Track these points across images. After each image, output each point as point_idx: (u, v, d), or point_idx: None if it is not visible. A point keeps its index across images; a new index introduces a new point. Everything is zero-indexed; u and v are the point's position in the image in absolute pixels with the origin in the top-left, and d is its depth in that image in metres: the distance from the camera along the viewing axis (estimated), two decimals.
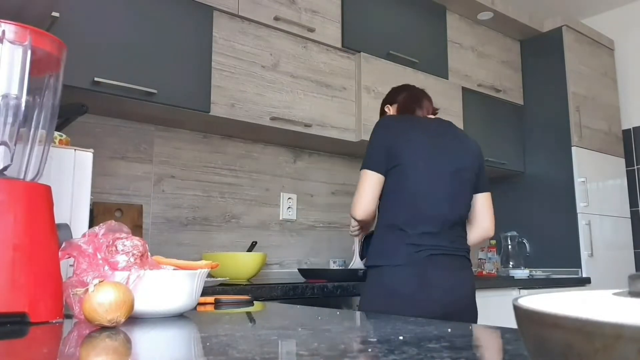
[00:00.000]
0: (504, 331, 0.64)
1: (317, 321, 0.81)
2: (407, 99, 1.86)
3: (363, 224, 1.91)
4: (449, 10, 3.05)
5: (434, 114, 1.87)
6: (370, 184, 1.69)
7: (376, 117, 2.57)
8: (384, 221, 1.69)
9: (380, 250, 1.65)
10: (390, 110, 1.91)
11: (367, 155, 1.73)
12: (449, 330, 0.66)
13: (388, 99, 1.95)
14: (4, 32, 0.79)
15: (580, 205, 3.10)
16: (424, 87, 2.83)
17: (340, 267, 2.60)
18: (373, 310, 1.48)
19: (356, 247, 2.20)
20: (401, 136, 1.69)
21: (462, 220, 1.73)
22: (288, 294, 1.77)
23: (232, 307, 1.09)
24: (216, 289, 1.59)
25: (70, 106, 1.38)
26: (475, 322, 1.69)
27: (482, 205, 1.82)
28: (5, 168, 0.80)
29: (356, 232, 2.08)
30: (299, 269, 2.29)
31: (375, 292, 1.61)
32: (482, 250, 3.02)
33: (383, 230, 1.68)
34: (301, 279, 2.19)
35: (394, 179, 1.67)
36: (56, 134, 1.26)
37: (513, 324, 0.37)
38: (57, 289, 0.79)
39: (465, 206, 1.74)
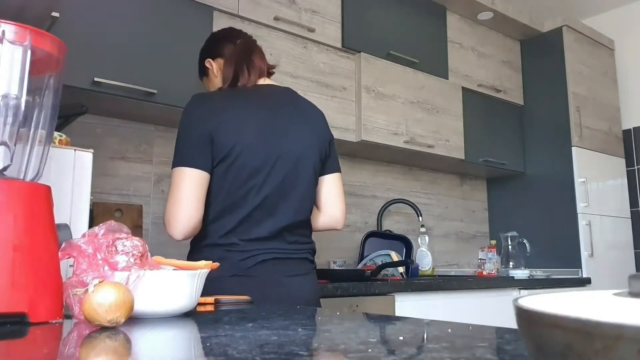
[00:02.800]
0: (504, 331, 0.64)
1: (317, 321, 0.81)
2: (235, 55, 1.45)
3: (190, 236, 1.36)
4: (449, 10, 3.05)
5: (269, 74, 1.50)
6: (192, 186, 1.28)
7: (376, 117, 2.57)
8: (206, 229, 1.34)
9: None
10: (213, 67, 1.53)
11: (178, 147, 1.32)
12: (449, 330, 0.66)
13: (210, 50, 1.55)
14: (4, 32, 0.79)
15: (580, 205, 3.10)
16: (424, 87, 2.85)
17: (341, 267, 2.59)
18: None
19: None
20: (224, 118, 1.30)
21: (303, 218, 1.41)
22: None
23: (232, 307, 1.08)
24: None
25: (70, 106, 1.37)
26: None
27: (330, 189, 1.48)
28: (5, 168, 0.80)
29: None
30: None
31: None
32: (482, 251, 3.02)
33: (202, 237, 1.34)
34: None
35: (217, 176, 1.31)
36: (56, 134, 1.26)
37: (513, 324, 0.37)
38: (57, 289, 0.79)
39: (307, 202, 1.41)
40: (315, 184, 1.45)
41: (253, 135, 1.32)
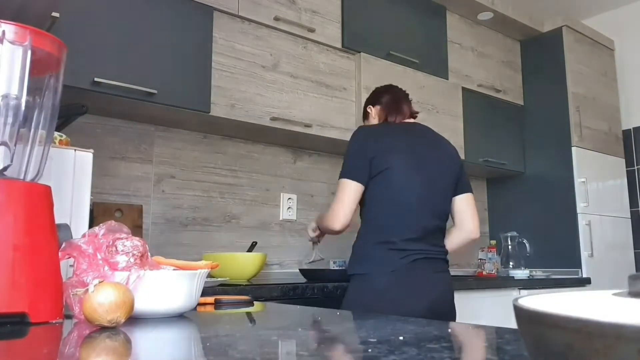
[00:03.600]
0: (504, 331, 0.64)
1: (317, 321, 0.81)
2: (388, 102, 1.89)
3: (332, 233, 1.87)
4: (449, 10, 3.05)
5: (413, 117, 1.89)
6: (351, 193, 1.71)
7: None
8: (368, 229, 1.72)
9: (365, 258, 1.68)
10: (372, 111, 1.94)
11: (346, 164, 1.75)
12: (449, 330, 0.66)
13: (371, 100, 1.97)
14: (4, 32, 0.79)
15: (580, 205, 3.10)
16: (424, 87, 2.85)
17: (341, 267, 2.59)
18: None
19: (315, 251, 2.25)
20: (381, 145, 1.71)
21: (441, 225, 1.76)
22: (288, 294, 1.77)
23: (232, 307, 1.08)
24: (216, 289, 1.59)
25: (70, 106, 1.38)
26: (454, 320, 1.75)
27: (464, 207, 1.83)
28: (5, 168, 0.80)
29: (316, 239, 2.14)
30: (300, 270, 2.29)
31: (360, 297, 1.64)
32: (482, 251, 3.02)
33: (367, 238, 1.71)
34: (301, 280, 2.19)
35: (376, 187, 1.70)
36: (56, 134, 1.26)
37: (513, 324, 0.37)
38: (57, 289, 0.79)
39: (443, 212, 1.77)
40: (449, 199, 1.80)
41: (402, 156, 1.71)
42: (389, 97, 1.91)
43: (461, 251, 1.90)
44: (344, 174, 1.74)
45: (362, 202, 1.76)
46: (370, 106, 1.96)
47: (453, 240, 1.84)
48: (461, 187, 1.83)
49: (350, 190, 1.71)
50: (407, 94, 1.95)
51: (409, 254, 1.65)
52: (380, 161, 1.69)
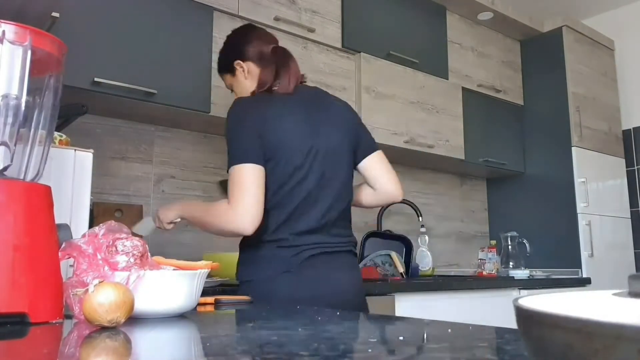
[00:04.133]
0: (504, 331, 0.64)
1: (317, 321, 0.81)
2: (275, 63, 1.49)
3: (231, 236, 1.40)
4: (449, 10, 3.05)
5: (302, 81, 1.54)
6: (254, 179, 1.32)
7: (376, 118, 2.57)
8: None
9: (252, 261, 1.39)
10: (244, 69, 1.53)
11: (234, 147, 1.35)
12: (449, 330, 0.66)
13: (239, 52, 1.53)
14: (4, 32, 0.79)
15: (580, 205, 3.10)
16: (424, 87, 2.85)
17: None
18: None
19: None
20: (269, 124, 1.37)
21: (343, 208, 1.46)
22: None
23: (232, 307, 1.08)
24: (216, 289, 1.59)
25: (70, 106, 1.38)
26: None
27: (376, 167, 1.53)
28: (5, 168, 0.80)
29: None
30: None
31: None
32: (482, 251, 3.02)
33: (252, 237, 1.35)
34: None
35: (269, 171, 1.37)
36: (56, 134, 1.26)
37: (513, 324, 0.37)
38: (57, 289, 0.79)
39: (346, 192, 1.48)
40: (351, 175, 1.50)
41: (292, 136, 1.38)
42: (271, 54, 1.50)
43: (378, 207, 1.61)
44: (234, 159, 1.34)
45: None
46: (240, 61, 1.52)
47: (368, 201, 1.57)
48: (364, 149, 1.52)
49: (251, 176, 1.31)
50: (284, 47, 1.55)
51: (303, 249, 1.35)
52: (268, 144, 1.35)
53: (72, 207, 1.17)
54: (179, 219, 1.55)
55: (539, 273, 2.99)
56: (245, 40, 1.55)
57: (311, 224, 1.38)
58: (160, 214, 1.56)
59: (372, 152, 1.53)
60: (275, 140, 1.36)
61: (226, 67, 1.58)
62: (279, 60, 1.49)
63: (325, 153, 1.42)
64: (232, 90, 1.63)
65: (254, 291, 1.32)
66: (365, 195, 1.58)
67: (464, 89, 3.04)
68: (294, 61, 1.51)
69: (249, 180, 1.31)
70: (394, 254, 2.46)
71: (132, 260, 0.85)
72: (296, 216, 1.37)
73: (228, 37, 1.61)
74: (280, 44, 2.33)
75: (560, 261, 3.11)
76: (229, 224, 1.32)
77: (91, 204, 1.24)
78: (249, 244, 1.41)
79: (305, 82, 1.56)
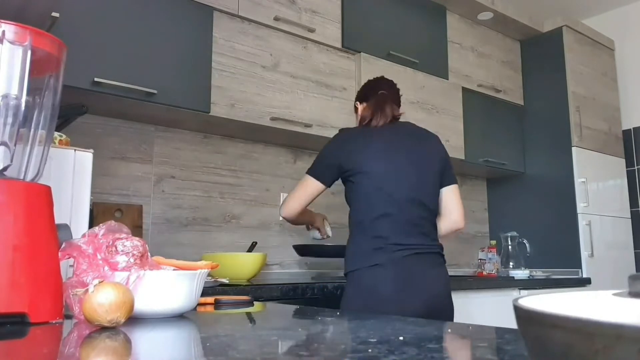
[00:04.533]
0: (504, 331, 0.64)
1: (317, 321, 0.81)
2: (373, 104, 1.88)
3: (292, 221, 1.98)
4: (449, 10, 3.05)
5: (395, 118, 1.87)
6: (308, 190, 1.81)
7: None
8: (357, 226, 1.72)
9: (357, 254, 1.68)
10: (359, 108, 1.95)
11: (316, 162, 1.82)
12: (449, 330, 0.66)
13: (359, 96, 1.98)
14: (4, 32, 0.79)
15: (580, 205, 3.10)
16: (424, 87, 2.85)
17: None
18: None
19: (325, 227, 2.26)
20: (361, 146, 1.74)
21: (431, 218, 1.77)
22: (288, 294, 1.77)
23: (232, 307, 1.08)
24: (216, 289, 1.59)
25: (70, 106, 1.38)
26: (452, 319, 1.73)
27: (449, 198, 1.84)
28: (5, 168, 0.80)
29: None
30: (293, 246, 2.38)
31: (356, 294, 1.63)
32: (482, 251, 3.02)
33: (357, 235, 1.71)
34: (301, 280, 2.19)
35: (360, 187, 1.71)
36: (56, 134, 1.26)
37: (513, 324, 0.37)
38: (57, 289, 0.79)
39: (433, 204, 1.78)
40: (436, 188, 1.81)
41: (383, 157, 1.73)
42: (374, 99, 1.90)
43: (447, 239, 1.90)
44: (310, 171, 1.82)
45: (348, 202, 1.78)
46: (358, 102, 1.98)
47: (440, 231, 1.85)
48: (447, 179, 1.84)
49: (308, 187, 1.80)
50: (396, 92, 1.95)
51: (402, 248, 1.64)
52: (357, 163, 1.72)
53: (72, 207, 1.17)
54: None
55: (539, 273, 2.99)
56: (366, 87, 1.98)
57: (405, 229, 1.68)
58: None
59: (451, 184, 1.85)
60: (360, 158, 1.72)
61: (355, 107, 2.03)
62: (377, 105, 1.87)
63: (414, 170, 1.74)
64: None
65: (357, 280, 1.64)
66: (438, 223, 1.85)
67: (464, 89, 3.04)
68: (389, 106, 1.87)
69: (305, 190, 1.82)
70: None
71: (132, 260, 0.85)
72: (392, 221, 1.67)
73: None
74: (280, 43, 2.34)
75: (560, 261, 3.11)
76: (280, 209, 1.91)
77: (91, 204, 1.24)
78: (352, 243, 1.73)
79: (398, 118, 1.88)
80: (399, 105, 1.92)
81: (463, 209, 1.87)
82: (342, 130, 1.86)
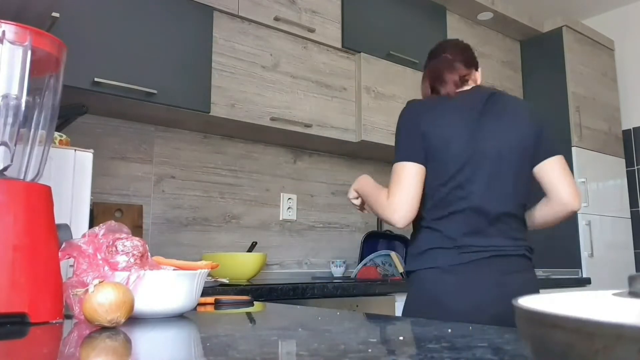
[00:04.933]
0: (504, 331, 0.64)
1: (317, 322, 0.81)
2: (431, 71, 1.56)
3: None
4: (449, 10, 3.05)
5: (464, 81, 1.54)
6: (410, 177, 1.39)
7: (376, 118, 2.57)
8: (420, 220, 1.44)
9: (419, 253, 1.42)
10: (425, 77, 1.63)
11: (399, 146, 1.44)
12: (449, 330, 0.66)
13: (426, 62, 1.66)
14: (4, 32, 0.79)
15: None
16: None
17: (340, 267, 2.60)
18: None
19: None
20: (429, 122, 1.42)
21: (515, 211, 1.43)
22: (288, 294, 1.77)
23: (232, 307, 1.08)
24: (216, 289, 1.59)
25: (70, 106, 1.38)
26: None
27: (551, 173, 1.46)
28: (5, 168, 0.80)
29: (363, 207, 1.64)
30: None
31: (417, 300, 1.40)
32: None
33: (420, 230, 1.44)
34: (301, 280, 2.19)
35: (429, 172, 1.42)
36: (56, 134, 1.26)
37: (513, 325, 0.37)
38: (57, 289, 0.79)
39: (518, 193, 1.44)
40: (526, 175, 1.46)
41: (457, 135, 1.40)
42: (431, 65, 1.59)
43: (555, 225, 1.57)
44: (398, 157, 1.43)
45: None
46: (424, 70, 1.65)
47: (540, 215, 1.53)
48: (544, 151, 1.46)
49: (409, 174, 1.39)
50: (463, 50, 1.62)
51: (472, 250, 1.35)
52: (431, 142, 1.40)
53: (72, 207, 1.17)
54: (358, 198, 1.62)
55: (539, 273, 2.99)
56: (430, 52, 1.65)
57: (477, 227, 1.37)
58: (349, 195, 1.65)
59: (550, 156, 1.47)
60: (436, 142, 1.40)
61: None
62: (435, 72, 1.54)
63: (492, 154, 1.40)
64: None
65: (418, 283, 1.39)
66: (540, 209, 1.53)
67: None
68: (447, 71, 1.53)
69: (407, 178, 1.39)
70: (394, 254, 2.46)
71: (132, 260, 0.85)
72: (460, 216, 1.38)
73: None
74: (281, 44, 2.34)
75: (560, 261, 3.11)
76: (384, 214, 1.42)
77: (91, 204, 1.24)
78: (415, 240, 1.46)
79: (467, 80, 1.55)
80: (471, 66, 1.58)
81: (572, 183, 1.47)
82: (410, 102, 1.52)
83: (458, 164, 1.38)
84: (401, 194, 1.38)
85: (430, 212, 1.42)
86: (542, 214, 1.53)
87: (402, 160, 1.41)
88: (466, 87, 1.52)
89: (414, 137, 1.42)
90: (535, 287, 1.42)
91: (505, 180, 1.41)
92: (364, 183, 1.58)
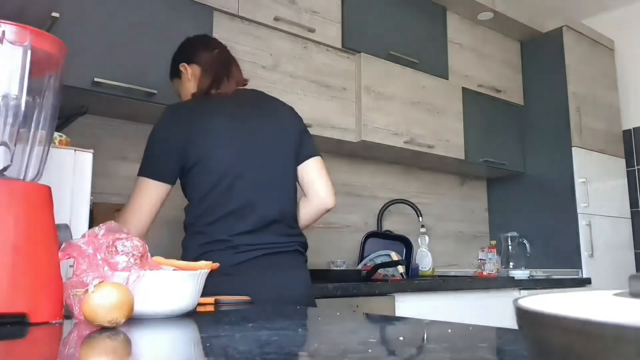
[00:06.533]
0: (504, 332, 0.64)
1: (317, 322, 0.81)
2: (212, 63, 1.51)
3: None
4: (449, 10, 3.05)
5: (244, 84, 1.53)
6: (146, 196, 1.37)
7: (377, 118, 2.57)
8: (193, 227, 1.39)
9: (194, 258, 1.30)
10: (188, 71, 1.56)
11: (147, 156, 1.41)
12: (449, 330, 0.66)
13: (185, 56, 1.58)
14: (4, 32, 0.79)
15: (580, 205, 3.10)
16: (424, 87, 2.85)
17: (339, 268, 2.60)
18: None
19: None
20: (199, 127, 1.37)
21: (287, 208, 1.45)
22: None
23: (232, 307, 1.08)
24: None
25: (70, 107, 1.37)
26: None
27: (311, 173, 1.50)
28: (5, 168, 0.80)
29: None
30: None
31: None
32: (482, 251, 3.02)
33: (195, 238, 1.38)
34: None
35: (195, 179, 1.38)
36: (56, 134, 1.26)
37: (513, 324, 0.37)
38: (57, 289, 0.79)
39: (288, 192, 1.47)
40: (292, 178, 1.49)
41: (224, 140, 1.38)
42: (213, 58, 1.51)
43: (314, 223, 1.57)
44: (142, 170, 1.40)
45: (185, 195, 1.45)
46: (185, 64, 1.56)
47: (303, 214, 1.52)
48: (302, 153, 1.50)
49: (148, 192, 1.37)
50: (230, 52, 1.59)
51: (247, 249, 1.34)
52: (196, 150, 1.36)
53: (72, 207, 1.17)
54: None
55: (539, 273, 2.99)
56: (191, 45, 1.60)
57: (248, 227, 1.36)
58: None
59: (310, 157, 1.51)
60: (202, 143, 1.36)
61: (174, 71, 1.63)
62: (220, 64, 1.52)
63: (261, 156, 1.42)
64: (179, 96, 1.64)
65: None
66: (302, 209, 1.53)
67: (464, 89, 3.04)
68: (235, 65, 1.54)
69: (145, 197, 1.37)
70: (393, 254, 2.46)
71: (132, 260, 0.85)
72: (232, 218, 1.36)
73: (180, 44, 1.65)
74: (280, 44, 2.34)
75: (560, 261, 3.11)
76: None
77: (91, 204, 1.24)
78: (186, 246, 1.41)
79: (246, 85, 1.55)
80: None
81: (328, 183, 1.51)
82: (170, 107, 1.45)
83: (227, 166, 1.37)
84: (133, 213, 1.37)
85: (200, 218, 1.38)
86: (304, 212, 1.53)
87: (145, 175, 1.39)
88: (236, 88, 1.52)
89: (168, 153, 1.38)
90: (307, 283, 1.43)
91: (276, 180, 1.43)
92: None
